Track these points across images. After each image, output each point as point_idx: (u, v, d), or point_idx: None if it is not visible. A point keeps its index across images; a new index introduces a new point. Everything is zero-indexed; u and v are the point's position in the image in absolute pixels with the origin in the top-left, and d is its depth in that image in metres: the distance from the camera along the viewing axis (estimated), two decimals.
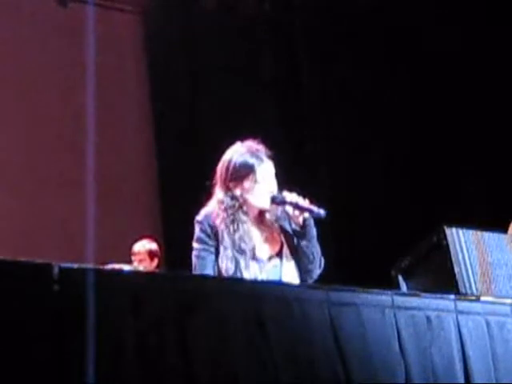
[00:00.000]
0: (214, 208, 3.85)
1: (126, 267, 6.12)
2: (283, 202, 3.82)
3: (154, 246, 7.08)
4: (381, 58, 7.78)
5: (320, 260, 3.89)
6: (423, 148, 7.47)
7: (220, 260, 3.76)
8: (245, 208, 3.83)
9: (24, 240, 7.77)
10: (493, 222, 4.46)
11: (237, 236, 3.77)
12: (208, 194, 3.92)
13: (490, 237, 3.88)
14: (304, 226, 3.82)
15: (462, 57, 7.31)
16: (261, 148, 3.88)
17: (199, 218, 3.84)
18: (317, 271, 3.89)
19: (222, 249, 3.76)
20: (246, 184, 3.81)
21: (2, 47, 8.38)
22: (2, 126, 8.24)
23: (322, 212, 3.78)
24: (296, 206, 3.80)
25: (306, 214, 3.82)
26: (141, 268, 6.74)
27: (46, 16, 8.64)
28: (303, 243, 3.83)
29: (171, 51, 8.84)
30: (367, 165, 7.73)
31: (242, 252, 3.76)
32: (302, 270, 3.86)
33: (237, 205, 3.81)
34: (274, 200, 3.83)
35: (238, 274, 3.73)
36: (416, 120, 7.55)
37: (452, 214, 5.48)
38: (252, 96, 8.49)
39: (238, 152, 3.87)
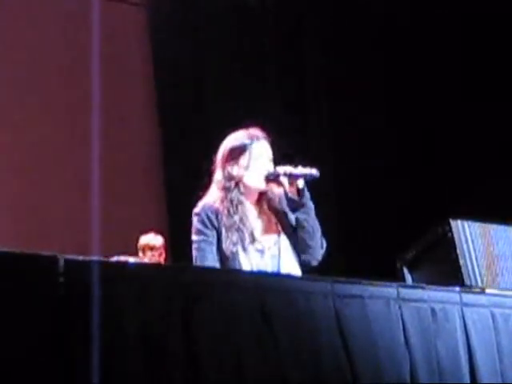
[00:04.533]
0: (211, 199, 3.86)
1: (131, 259, 6.12)
2: (277, 176, 3.84)
3: (161, 238, 7.10)
4: (392, 41, 7.76)
5: (321, 239, 3.87)
6: (433, 137, 7.45)
7: (223, 243, 3.76)
8: (242, 188, 3.85)
9: (30, 232, 7.77)
10: (495, 212, 4.46)
11: (236, 218, 3.79)
12: (206, 186, 3.94)
13: (496, 229, 3.88)
14: (301, 195, 3.82)
15: (476, 53, 7.31)
16: (257, 131, 3.95)
17: (197, 209, 3.85)
18: (319, 250, 3.85)
19: (223, 231, 3.77)
20: (242, 161, 3.86)
21: (7, 39, 8.38)
22: (7, 117, 8.24)
23: (314, 172, 3.79)
24: (290, 176, 3.81)
25: (301, 183, 3.82)
26: (146, 260, 6.74)
27: (50, 8, 8.64)
28: (302, 216, 3.82)
29: (175, 41, 8.83)
30: (371, 157, 7.72)
31: (241, 234, 3.77)
32: (303, 250, 3.83)
33: (233, 184, 3.84)
34: (268, 178, 3.86)
35: (239, 257, 3.74)
36: (420, 108, 7.54)
37: (458, 206, 5.48)
38: (257, 83, 8.48)
39: (233, 136, 3.95)
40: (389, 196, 7.49)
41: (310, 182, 3.83)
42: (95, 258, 2.81)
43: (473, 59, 7.30)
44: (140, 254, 6.87)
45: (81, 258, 2.65)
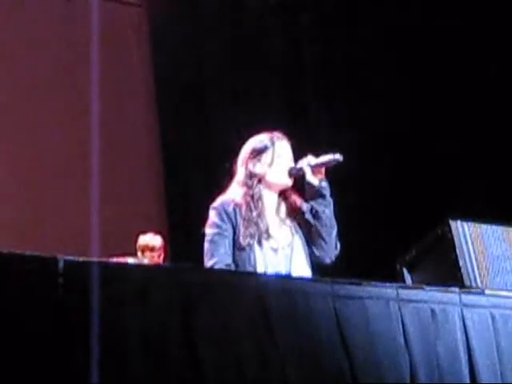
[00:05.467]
0: (231, 195, 3.91)
1: (131, 260, 6.11)
2: (300, 170, 3.92)
3: (161, 238, 7.09)
4: (388, 41, 7.76)
5: (336, 239, 3.94)
6: (434, 137, 7.45)
7: (240, 234, 3.79)
8: (264, 185, 3.91)
9: (29, 233, 7.78)
10: (494, 213, 4.45)
11: (255, 213, 3.84)
12: (225, 185, 3.98)
13: (489, 229, 3.88)
14: (322, 187, 3.90)
15: (472, 54, 7.30)
16: (279, 133, 4.03)
17: (215, 204, 3.89)
18: (333, 248, 3.93)
19: (241, 223, 3.81)
20: (264, 158, 3.93)
21: (6, 42, 8.38)
22: (7, 119, 8.25)
23: (337, 156, 3.88)
24: (314, 166, 3.89)
25: (323, 172, 3.90)
26: (145, 261, 6.73)
27: (49, 9, 8.63)
28: (320, 208, 3.88)
29: (175, 41, 8.84)
30: (371, 157, 7.71)
31: (258, 229, 3.82)
32: (317, 244, 3.89)
33: (255, 182, 3.90)
34: (291, 173, 3.94)
35: (255, 250, 3.79)
36: (420, 109, 7.53)
37: (457, 206, 5.48)
38: (258, 83, 8.47)
39: (255, 137, 4.02)
40: (389, 196, 7.49)
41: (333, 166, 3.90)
42: (95, 258, 2.81)
43: (471, 59, 7.30)
44: (139, 254, 6.85)
45: (80, 258, 2.65)
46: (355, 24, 8.00)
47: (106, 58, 7.33)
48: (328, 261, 3.93)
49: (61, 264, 2.56)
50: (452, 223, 3.73)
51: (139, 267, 3.42)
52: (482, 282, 3.70)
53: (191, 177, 8.15)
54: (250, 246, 3.79)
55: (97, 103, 6.85)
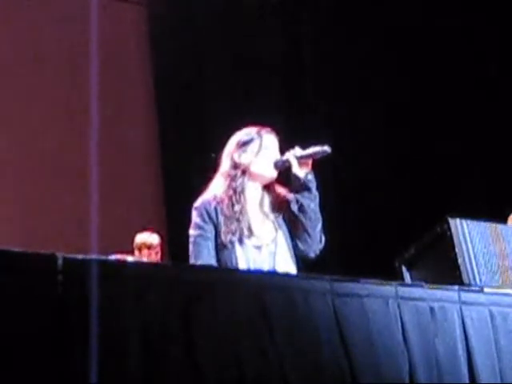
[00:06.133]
0: (213, 191, 3.88)
1: (130, 258, 6.12)
2: (286, 162, 3.87)
3: (157, 236, 7.10)
4: (388, 41, 7.76)
5: (321, 233, 3.87)
6: (433, 136, 7.45)
7: (221, 232, 3.76)
8: (248, 177, 3.87)
9: (29, 232, 7.78)
10: (493, 212, 4.46)
11: (237, 208, 3.80)
12: (207, 181, 3.96)
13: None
14: (308, 180, 3.84)
15: (472, 54, 7.30)
16: (267, 127, 3.99)
17: (197, 204, 3.86)
18: (317, 242, 3.85)
19: (222, 220, 3.77)
20: (250, 149, 3.89)
21: (6, 42, 8.38)
22: (7, 119, 8.25)
23: (326, 148, 3.81)
24: (300, 158, 3.84)
25: (309, 164, 3.85)
26: (144, 259, 6.74)
27: (49, 9, 8.64)
28: (306, 201, 3.81)
29: (175, 41, 8.84)
30: (371, 157, 7.72)
31: (240, 225, 3.78)
32: (301, 238, 3.83)
33: (239, 173, 3.86)
34: (276, 165, 3.89)
35: (235, 250, 3.75)
36: (420, 109, 7.54)
37: (456, 205, 5.48)
38: (258, 83, 8.48)
39: (243, 130, 3.99)
40: (388, 195, 7.49)
41: (322, 158, 3.84)
42: (94, 256, 2.80)
43: (471, 59, 7.30)
44: (136, 252, 6.86)
45: (79, 256, 2.65)
46: (355, 24, 8.00)
47: (105, 57, 7.32)
48: (312, 255, 3.87)
49: (60, 261, 2.55)
50: (451, 221, 3.72)
51: (139, 265, 3.41)
52: (480, 279, 3.69)
53: (191, 176, 8.15)
54: (232, 243, 3.75)
55: (96, 103, 6.85)
